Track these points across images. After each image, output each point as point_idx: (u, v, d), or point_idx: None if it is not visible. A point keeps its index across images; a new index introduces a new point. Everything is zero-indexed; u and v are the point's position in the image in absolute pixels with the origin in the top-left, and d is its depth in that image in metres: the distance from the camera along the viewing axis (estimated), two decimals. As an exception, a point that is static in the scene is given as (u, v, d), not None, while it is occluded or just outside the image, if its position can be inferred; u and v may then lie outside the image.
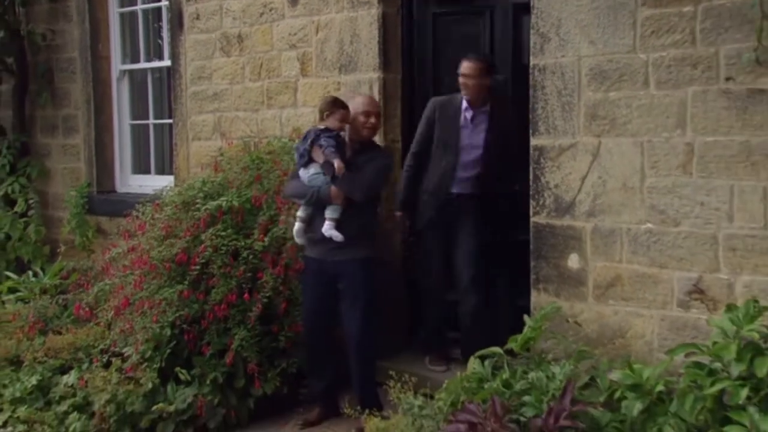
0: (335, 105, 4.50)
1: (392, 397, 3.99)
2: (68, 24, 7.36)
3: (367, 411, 4.22)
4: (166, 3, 6.60)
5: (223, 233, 4.73)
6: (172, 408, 4.53)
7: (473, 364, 4.13)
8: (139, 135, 7.29)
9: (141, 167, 7.29)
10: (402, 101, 5.34)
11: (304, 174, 4.50)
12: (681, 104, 3.96)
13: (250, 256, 4.71)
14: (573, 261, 4.37)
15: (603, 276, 4.27)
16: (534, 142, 4.48)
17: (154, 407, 4.54)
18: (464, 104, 4.80)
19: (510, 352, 4.05)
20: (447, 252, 4.91)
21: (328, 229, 4.45)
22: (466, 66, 4.69)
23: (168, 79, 6.73)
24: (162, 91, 7.03)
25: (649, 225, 4.10)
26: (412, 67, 5.37)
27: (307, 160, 4.47)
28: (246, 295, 4.65)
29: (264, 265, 4.75)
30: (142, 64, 7.09)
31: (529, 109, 4.49)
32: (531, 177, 4.51)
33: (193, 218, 4.78)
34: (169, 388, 4.66)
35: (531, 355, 4.13)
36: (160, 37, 6.92)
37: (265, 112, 5.89)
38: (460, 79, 4.73)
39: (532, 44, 4.46)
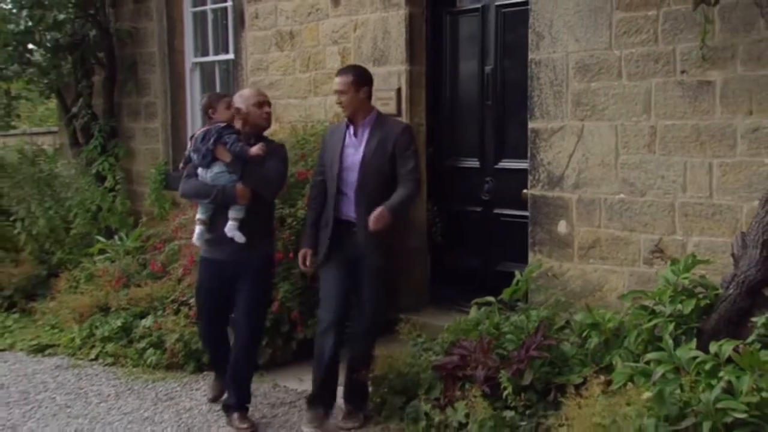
0: (217, 98, 4.60)
1: (402, 335, 4.84)
2: (149, 22, 8.40)
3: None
4: (231, 3, 7.55)
5: (272, 203, 5.64)
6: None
7: (473, 311, 4.95)
8: (210, 119, 8.28)
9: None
10: (426, 90, 6.14)
11: (206, 173, 4.47)
12: (647, 93, 4.66)
13: (294, 222, 5.61)
14: (562, 227, 5.12)
15: (585, 239, 5.02)
16: (531, 125, 5.23)
17: (215, 345, 5.51)
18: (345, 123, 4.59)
19: (508, 304, 4.85)
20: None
21: (231, 229, 4.45)
22: (336, 81, 4.51)
23: (232, 70, 7.69)
24: (228, 81, 8.00)
25: (622, 195, 4.83)
26: (435, 59, 6.16)
27: (210, 160, 4.43)
28: (291, 255, 5.55)
29: (308, 230, 5.65)
30: (211, 57, 8.07)
31: (528, 96, 5.24)
32: (529, 155, 5.27)
33: (245, 190, 5.70)
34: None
35: (526, 305, 4.93)
36: (227, 34, 7.87)
37: (312, 99, 6.79)
38: (335, 97, 4.60)
39: (529, 41, 5.21)
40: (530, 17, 5.18)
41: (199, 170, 4.53)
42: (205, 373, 5.46)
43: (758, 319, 3.62)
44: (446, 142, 6.21)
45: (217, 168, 4.46)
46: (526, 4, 5.26)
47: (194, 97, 8.26)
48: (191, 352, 5.57)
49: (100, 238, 7.33)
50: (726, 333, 3.74)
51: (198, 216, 4.60)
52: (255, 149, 4.41)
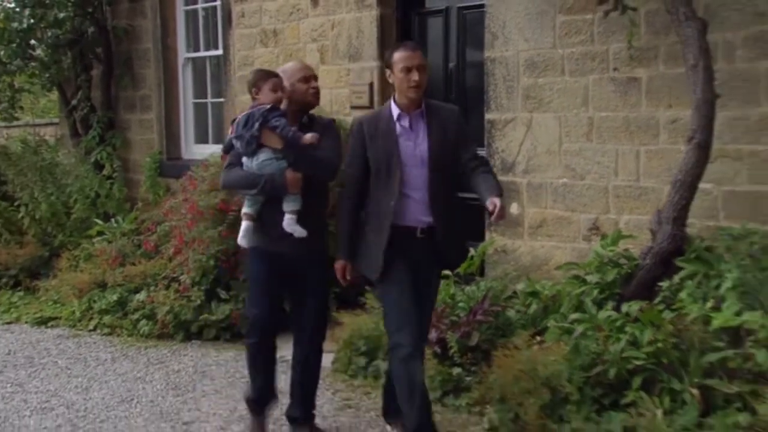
0: (262, 76, 3.96)
1: (367, 303, 5.41)
2: (144, 20, 8.93)
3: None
4: (219, 2, 8.09)
5: (254, 187, 6.20)
6: (214, 317, 6.08)
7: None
8: (200, 111, 8.84)
9: (202, 138, 8.85)
10: (397, 84, 6.69)
11: (251, 162, 3.90)
12: (585, 88, 5.22)
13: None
14: (514, 208, 5.68)
15: (534, 219, 5.58)
16: (487, 116, 5.79)
17: (201, 317, 6.09)
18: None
19: (464, 278, 5.39)
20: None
21: (290, 223, 3.88)
22: (414, 56, 3.76)
23: (222, 65, 8.24)
24: (219, 75, 8.54)
25: (565, 180, 5.39)
26: (405, 56, 6.71)
27: (256, 147, 3.87)
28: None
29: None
30: (202, 53, 8.62)
31: (484, 91, 5.79)
32: (485, 144, 5.82)
33: (230, 175, 6.26)
34: (212, 304, 6.17)
35: (481, 279, 5.49)
36: (216, 31, 8.41)
37: (295, 92, 7.33)
38: (402, 76, 3.77)
39: (486, 40, 5.76)
40: (486, 19, 5.74)
41: (244, 159, 3.94)
42: (193, 341, 6.03)
43: (664, 284, 4.19)
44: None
45: (263, 155, 3.87)
46: (482, 6, 5.82)
47: (186, 91, 8.82)
48: (180, 323, 6.13)
49: (98, 221, 7.88)
50: (641, 297, 4.30)
51: (244, 210, 4.00)
52: (309, 137, 3.83)
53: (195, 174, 6.66)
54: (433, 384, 4.56)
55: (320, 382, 4.98)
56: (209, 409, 4.73)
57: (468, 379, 4.61)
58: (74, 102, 9.17)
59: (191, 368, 5.49)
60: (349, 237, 3.91)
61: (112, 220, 7.97)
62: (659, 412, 3.55)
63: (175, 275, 6.44)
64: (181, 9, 8.76)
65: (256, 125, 3.82)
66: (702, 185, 4.32)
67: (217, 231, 6.16)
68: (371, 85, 6.64)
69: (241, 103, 7.81)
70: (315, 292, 4.10)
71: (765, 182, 4.50)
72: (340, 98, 6.94)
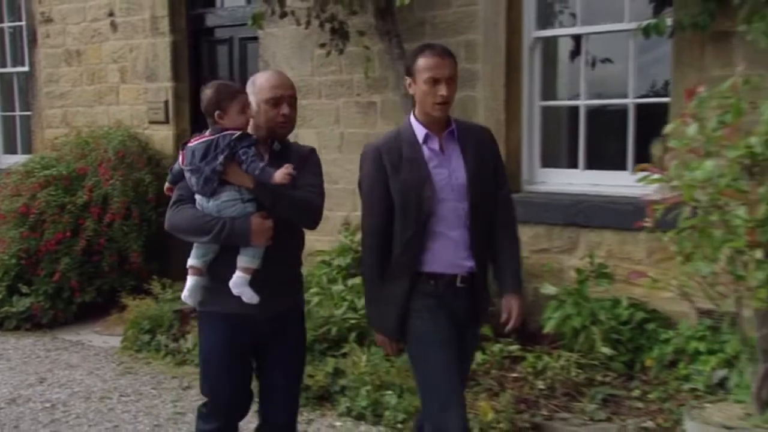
0: (228, 94, 3.01)
1: (153, 290, 6.27)
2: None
3: None
4: (24, 23, 8.65)
5: (54, 193, 6.88)
6: (14, 310, 6.69)
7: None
8: (8, 123, 9.29)
9: (10, 148, 9.30)
10: (189, 102, 7.58)
11: (209, 202, 3.02)
12: (336, 109, 6.37)
13: (73, 209, 6.86)
14: (285, 209, 6.72)
15: (301, 218, 6.64)
16: (262, 131, 6.81)
17: (2, 309, 6.68)
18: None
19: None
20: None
21: (239, 284, 2.98)
22: (442, 62, 3.01)
23: (28, 81, 8.78)
24: (26, 90, 9.05)
25: (326, 185, 6.48)
26: (197, 78, 7.62)
27: (217, 184, 2.99)
28: (68, 234, 6.79)
29: (88, 215, 6.90)
30: (9, 69, 9.11)
31: (260, 110, 6.80)
32: (262, 155, 6.83)
33: (32, 182, 6.92)
34: (14, 298, 6.79)
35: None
36: (23, 48, 8.94)
37: (97, 108, 8.05)
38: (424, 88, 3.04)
39: (260, 67, 6.77)
40: (260, 48, 6.77)
41: (198, 197, 3.06)
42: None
43: (382, 263, 5.37)
44: (207, 145, 7.67)
45: (226, 195, 3.01)
46: (257, 38, 6.85)
47: (-7, 104, 9.28)
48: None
49: None
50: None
51: (190, 262, 3.08)
52: (280, 174, 2.90)
53: (-1, 181, 7.25)
54: (204, 352, 5.50)
55: (109, 357, 5.81)
56: (2, 381, 5.42)
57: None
58: None
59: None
60: (379, 302, 3.07)
61: None
62: (364, 357, 4.66)
63: (-23, 274, 6.98)
64: (-12, 26, 9.21)
65: (221, 158, 2.94)
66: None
67: (19, 232, 6.78)
68: (166, 102, 7.51)
69: (48, 116, 8.44)
70: (288, 367, 3.20)
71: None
72: (139, 114, 7.74)
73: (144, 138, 7.63)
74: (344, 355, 4.84)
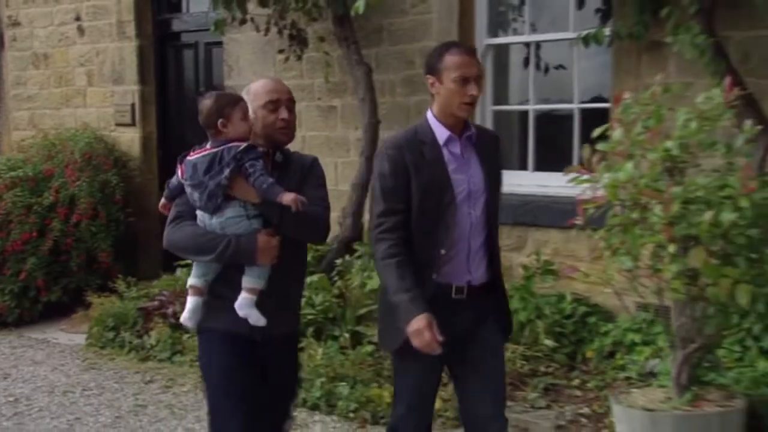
0: (229, 100, 2.89)
1: (119, 289, 6.42)
2: None
3: None
4: (-7, 26, 8.77)
5: (20, 194, 7.00)
6: (-21, 308, 6.82)
7: (177, 272, 6.60)
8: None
9: (-23, 150, 9.39)
10: (156, 105, 7.74)
11: (212, 219, 2.85)
12: (299, 113, 6.48)
13: (40, 209, 6.98)
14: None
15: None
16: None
17: (-34, 308, 6.81)
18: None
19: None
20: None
21: (245, 305, 2.83)
22: (471, 62, 2.88)
23: (-4, 84, 8.89)
24: (-6, 92, 9.16)
25: (286, 186, 6.69)
26: (163, 82, 7.78)
27: (222, 200, 2.82)
28: (35, 234, 6.92)
29: (55, 215, 7.03)
30: (-23, 71, 9.21)
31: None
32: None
33: (-2, 184, 7.05)
34: (-21, 298, 6.93)
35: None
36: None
37: (65, 110, 8.18)
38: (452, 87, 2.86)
39: (224, 71, 6.97)
40: (224, 53, 6.95)
41: (200, 213, 2.90)
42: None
43: (339, 261, 5.57)
44: (174, 147, 7.82)
45: (231, 211, 2.84)
46: (221, 43, 7.03)
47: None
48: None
49: None
50: (327, 271, 5.65)
51: (190, 282, 2.93)
52: (289, 199, 2.73)
53: (-34, 182, 7.34)
54: (165, 346, 5.66)
55: (73, 354, 5.96)
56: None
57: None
58: None
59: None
60: (412, 289, 2.76)
61: None
62: (320, 351, 4.86)
63: None
64: (-45, 29, 9.29)
65: (227, 171, 2.77)
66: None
67: (-16, 232, 6.91)
68: (133, 105, 7.66)
69: (15, 118, 8.55)
70: (281, 399, 3.05)
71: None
72: (106, 116, 7.88)
73: (111, 140, 7.77)
74: (301, 349, 5.02)
